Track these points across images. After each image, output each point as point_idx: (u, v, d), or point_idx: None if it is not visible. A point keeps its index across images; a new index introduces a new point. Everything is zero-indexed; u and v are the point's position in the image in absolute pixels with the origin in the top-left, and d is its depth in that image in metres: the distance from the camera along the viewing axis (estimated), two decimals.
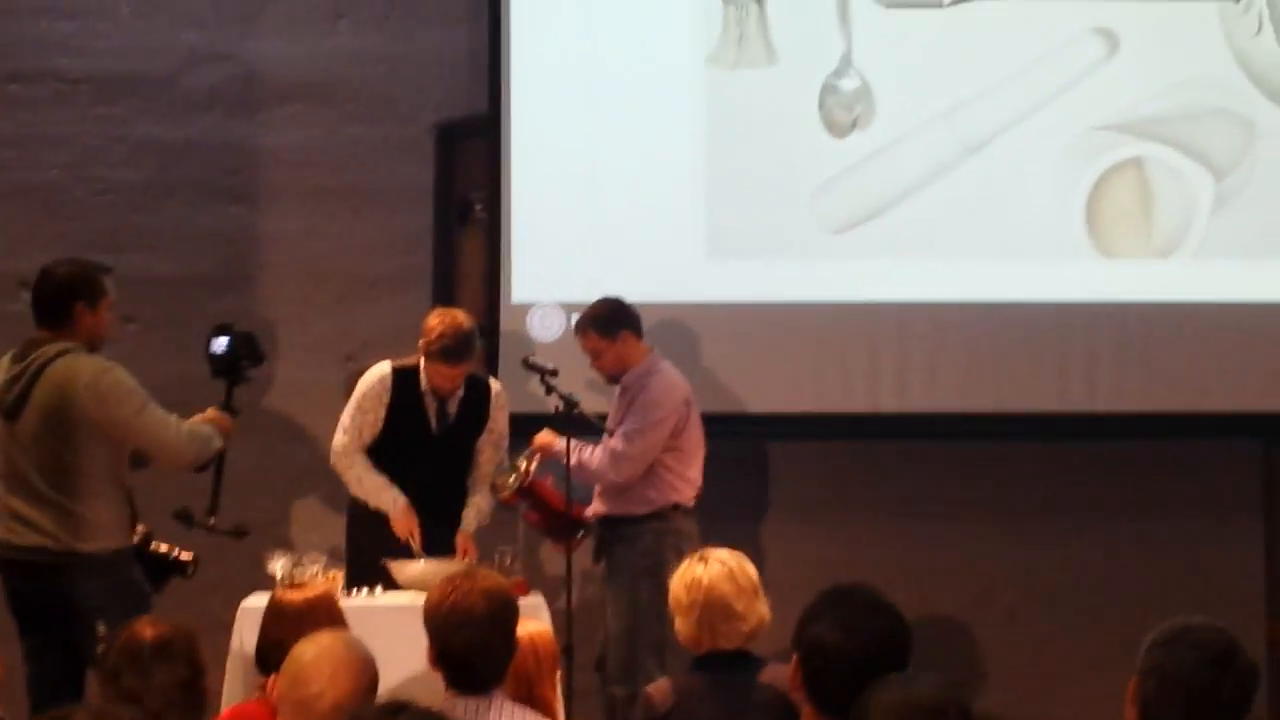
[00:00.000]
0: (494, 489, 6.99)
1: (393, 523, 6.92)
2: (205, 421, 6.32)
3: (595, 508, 7.06)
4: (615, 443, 6.98)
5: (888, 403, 7.80)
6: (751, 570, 4.87)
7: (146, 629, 4.37)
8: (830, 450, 8.05)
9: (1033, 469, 8.08)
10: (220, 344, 6.65)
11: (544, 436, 7.07)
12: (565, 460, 6.94)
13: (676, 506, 7.07)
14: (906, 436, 7.96)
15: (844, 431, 7.94)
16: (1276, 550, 8.15)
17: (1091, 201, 7.83)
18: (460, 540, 6.95)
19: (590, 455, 6.95)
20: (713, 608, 4.75)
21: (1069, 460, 8.07)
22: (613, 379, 7.14)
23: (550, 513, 7.03)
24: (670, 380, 7.11)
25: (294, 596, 5.33)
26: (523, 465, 6.96)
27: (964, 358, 7.79)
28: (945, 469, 8.07)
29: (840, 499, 8.06)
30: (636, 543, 7.02)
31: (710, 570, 4.81)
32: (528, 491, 6.97)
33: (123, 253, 7.88)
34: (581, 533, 6.97)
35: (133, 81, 8.12)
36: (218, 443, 6.30)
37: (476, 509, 7.05)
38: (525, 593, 6.57)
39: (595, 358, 7.13)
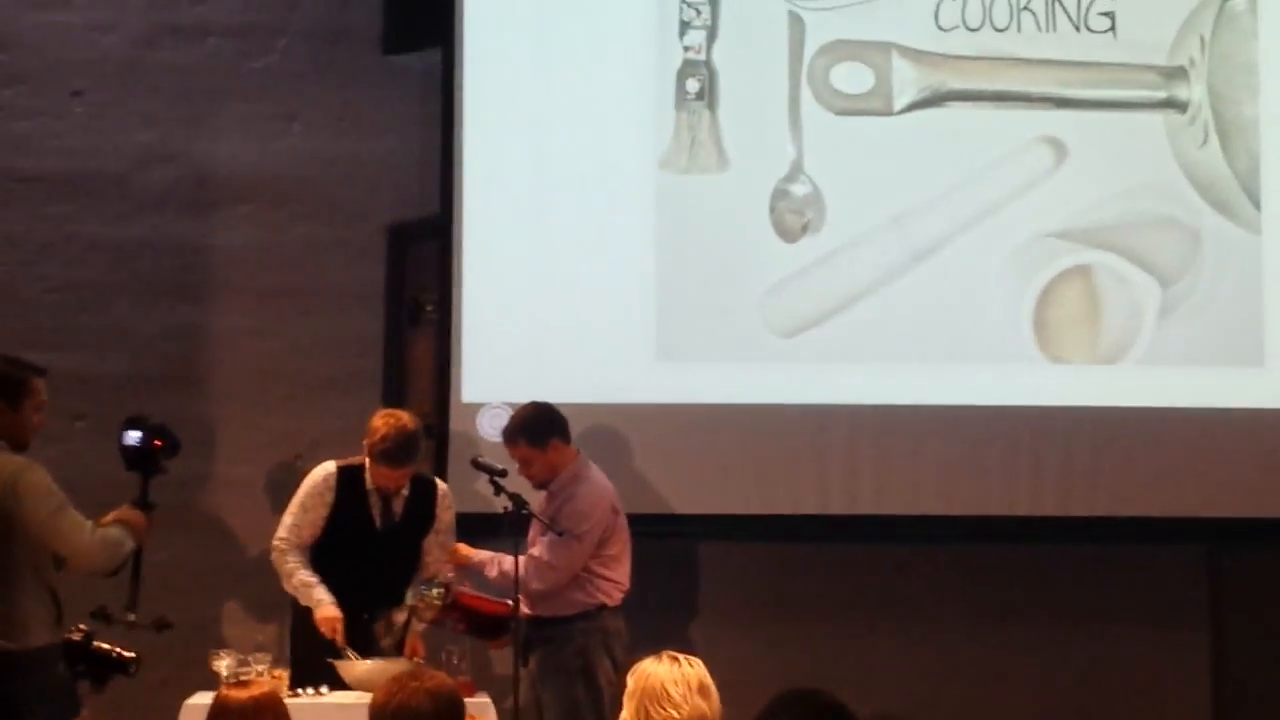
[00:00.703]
0: (416, 613, 6.90)
1: (316, 621, 6.86)
2: (118, 520, 6.20)
3: (522, 608, 6.99)
4: (540, 552, 6.94)
5: (836, 506, 7.82)
6: (703, 671, 4.84)
7: None
8: (776, 553, 8.04)
9: (978, 573, 8.09)
10: (133, 437, 6.53)
11: (460, 549, 7.04)
12: (485, 569, 6.95)
13: (603, 607, 7.03)
14: (852, 540, 7.97)
15: (791, 534, 7.93)
16: (1222, 656, 8.17)
17: (1039, 307, 7.89)
18: (409, 640, 6.92)
19: (512, 565, 6.83)
20: (649, 692, 4.73)
21: (1015, 564, 8.08)
22: (541, 485, 7.10)
23: (476, 619, 6.99)
24: (596, 490, 7.05)
25: (239, 694, 5.28)
26: (443, 585, 6.90)
27: (912, 461, 7.81)
28: (889, 572, 8.09)
29: (790, 602, 8.05)
30: (567, 644, 6.96)
31: (660, 663, 4.81)
32: (451, 606, 6.93)
33: (73, 351, 7.91)
34: (510, 631, 6.91)
35: (85, 181, 8.14)
36: (129, 545, 6.18)
37: None
38: (472, 693, 6.55)
39: (525, 466, 7.06)
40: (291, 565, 6.97)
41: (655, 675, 4.76)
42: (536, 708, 7.00)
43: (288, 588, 6.99)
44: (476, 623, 7.00)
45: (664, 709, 4.72)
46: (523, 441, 7.06)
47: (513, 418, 7.15)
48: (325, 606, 6.87)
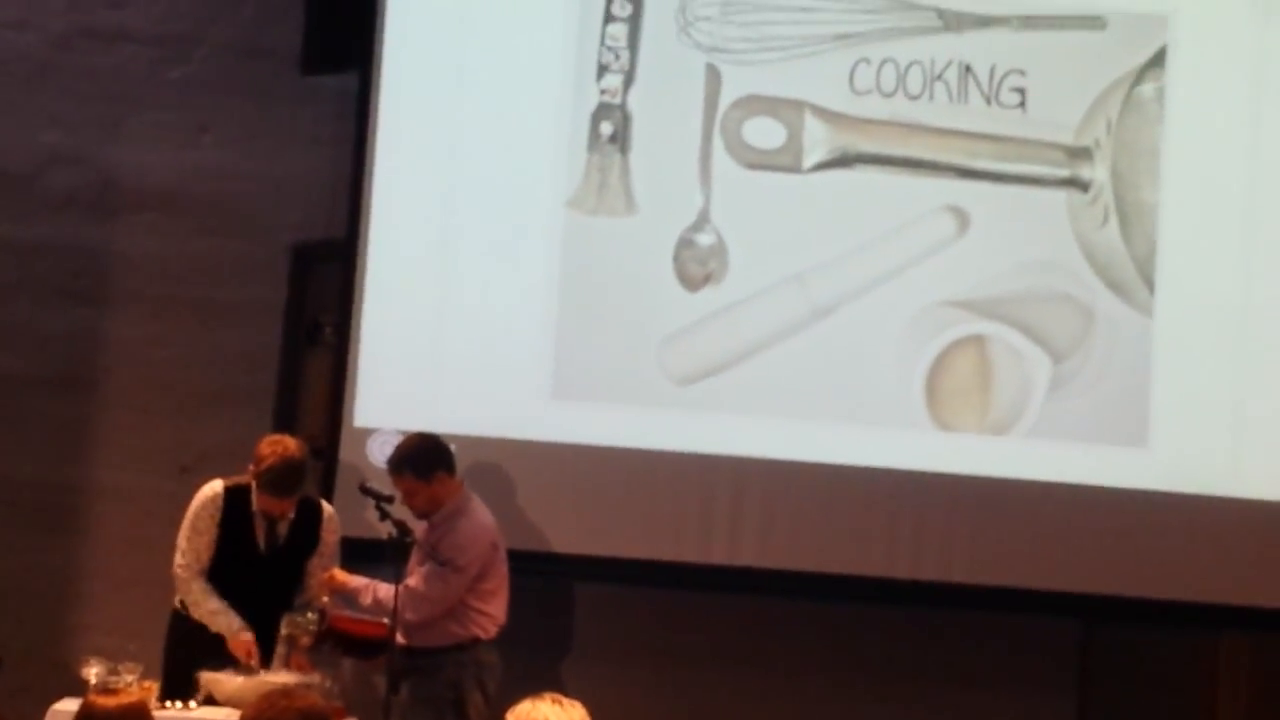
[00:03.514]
0: (292, 640, 6.86)
1: (230, 646, 6.85)
2: None
3: (396, 637, 6.97)
4: (415, 583, 6.92)
5: (718, 555, 7.82)
6: (584, 714, 4.87)
7: None
8: (654, 598, 8.05)
9: (855, 632, 8.14)
10: None
11: (336, 575, 7.02)
12: (359, 596, 6.92)
13: (477, 640, 7.03)
14: (730, 590, 7.97)
15: (670, 581, 7.92)
16: None
17: (932, 374, 7.95)
18: (294, 660, 6.87)
19: (387, 593, 6.85)
20: None
21: (891, 625, 8.13)
22: (424, 516, 7.09)
23: (353, 642, 7.00)
24: (477, 525, 7.06)
25: (106, 701, 5.22)
26: (318, 611, 6.90)
27: (796, 517, 7.84)
28: (766, 625, 8.11)
29: (665, 648, 8.08)
30: (439, 674, 6.96)
31: (542, 701, 4.84)
32: (328, 633, 6.93)
33: None
34: (385, 652, 6.91)
35: None
36: None
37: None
38: (343, 718, 6.52)
39: (409, 497, 7.06)
40: (197, 594, 6.94)
41: (538, 711, 4.78)
42: None
43: (196, 614, 6.95)
44: (353, 645, 7.00)
45: None
46: (408, 472, 7.06)
47: (398, 448, 7.15)
48: (239, 632, 6.86)
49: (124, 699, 5.22)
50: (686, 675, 8.04)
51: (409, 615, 6.87)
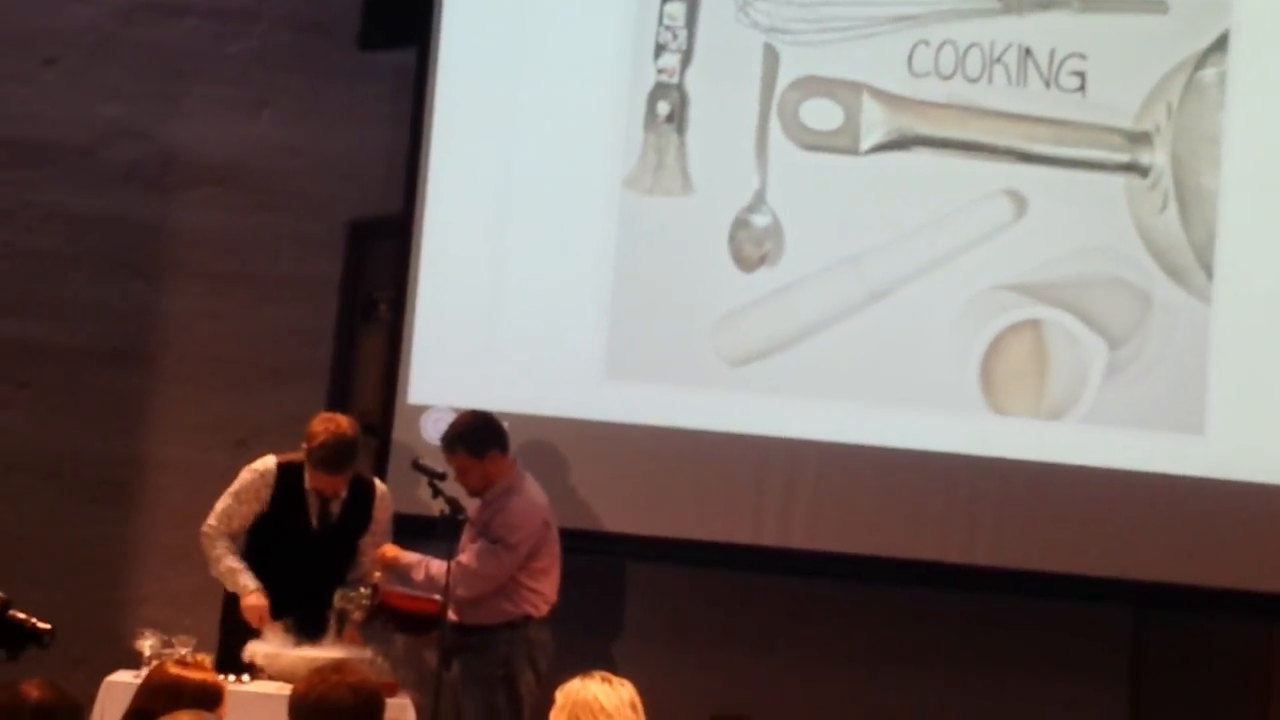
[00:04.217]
0: (345, 614, 6.89)
1: (243, 608, 6.87)
2: None
3: (448, 614, 6.99)
4: (468, 560, 6.95)
5: (769, 537, 7.81)
6: (633, 692, 4.90)
7: (34, 690, 4.28)
8: (705, 579, 8.06)
9: (905, 615, 8.12)
10: None
11: (388, 550, 7.05)
12: (412, 572, 6.94)
13: (529, 618, 7.05)
14: (782, 572, 7.96)
15: (722, 562, 7.93)
16: (1140, 716, 8.21)
17: (987, 358, 7.92)
18: (346, 634, 6.90)
19: (439, 570, 6.87)
20: (582, 704, 4.79)
21: (942, 609, 8.11)
22: (476, 493, 7.10)
23: (405, 618, 7.02)
24: (529, 503, 7.08)
25: (192, 675, 4.97)
26: (371, 586, 6.92)
27: (848, 500, 7.82)
28: (817, 607, 8.10)
29: (716, 628, 8.08)
30: (491, 652, 6.98)
31: (591, 679, 4.87)
32: (380, 608, 6.95)
33: (23, 318, 7.92)
34: (437, 628, 6.93)
35: (50, 150, 8.13)
36: None
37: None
38: (394, 694, 6.54)
39: (462, 475, 7.08)
40: (220, 551, 6.96)
41: (588, 689, 4.82)
42: (456, 713, 7.01)
43: (214, 572, 6.99)
44: (405, 621, 7.02)
45: (597, 718, 4.77)
46: (461, 450, 7.08)
47: (452, 425, 7.17)
48: (252, 594, 6.87)
49: (205, 674, 5.05)
50: (735, 656, 8.04)
51: (461, 592, 6.89)
